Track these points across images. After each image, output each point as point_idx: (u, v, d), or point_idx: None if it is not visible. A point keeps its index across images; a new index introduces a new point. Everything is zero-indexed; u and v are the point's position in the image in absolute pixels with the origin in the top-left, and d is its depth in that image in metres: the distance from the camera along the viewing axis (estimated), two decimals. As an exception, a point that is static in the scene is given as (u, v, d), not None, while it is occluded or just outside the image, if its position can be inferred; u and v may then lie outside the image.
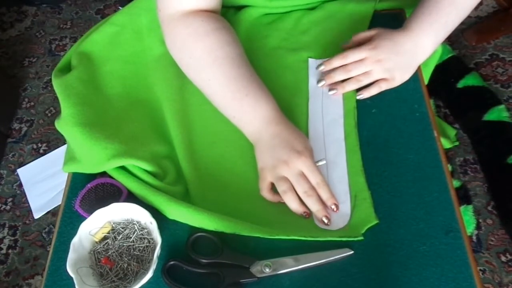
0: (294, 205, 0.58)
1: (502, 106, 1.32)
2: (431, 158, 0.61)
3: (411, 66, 0.67)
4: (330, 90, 0.68)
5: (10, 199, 1.45)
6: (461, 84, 1.37)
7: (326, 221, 0.57)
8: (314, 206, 0.57)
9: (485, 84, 1.39)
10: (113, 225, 0.57)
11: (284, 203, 0.58)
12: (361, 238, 0.55)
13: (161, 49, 0.71)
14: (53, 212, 1.39)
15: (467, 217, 1.19)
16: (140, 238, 0.56)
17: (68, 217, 0.61)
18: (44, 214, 1.39)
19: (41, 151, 1.53)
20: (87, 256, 0.55)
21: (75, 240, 0.54)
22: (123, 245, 0.56)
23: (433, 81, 0.84)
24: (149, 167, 0.60)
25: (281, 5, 0.78)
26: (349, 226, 0.57)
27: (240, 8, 0.79)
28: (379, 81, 0.66)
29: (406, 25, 0.66)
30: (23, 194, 1.44)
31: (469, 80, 1.37)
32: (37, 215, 1.39)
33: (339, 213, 0.58)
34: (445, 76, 1.39)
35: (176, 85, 0.69)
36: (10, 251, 1.35)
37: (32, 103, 1.65)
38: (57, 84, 0.67)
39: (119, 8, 1.84)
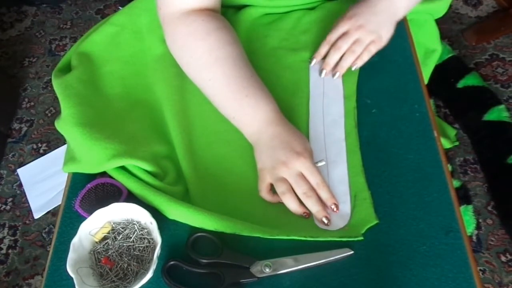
0: (293, 206, 0.58)
1: (502, 106, 1.32)
2: (431, 158, 0.61)
3: (391, 23, 0.69)
4: (333, 75, 0.69)
5: (10, 199, 1.45)
6: (461, 84, 1.37)
7: (326, 221, 0.57)
8: (313, 207, 0.57)
9: (485, 84, 1.39)
10: (113, 225, 0.57)
11: (284, 203, 0.58)
12: (361, 238, 0.55)
13: (161, 49, 0.71)
14: (53, 212, 1.39)
15: (467, 217, 1.19)
16: (140, 238, 0.56)
17: (68, 217, 0.61)
18: (44, 214, 1.39)
19: (41, 151, 1.54)
20: (87, 256, 0.55)
21: (75, 240, 0.54)
22: (123, 245, 0.56)
23: (433, 81, 0.84)
24: (149, 167, 0.60)
25: (281, 5, 0.78)
26: (349, 226, 0.57)
27: (240, 8, 0.79)
28: (367, 46, 0.68)
29: None
30: (23, 194, 1.44)
31: (469, 80, 1.37)
32: (37, 215, 1.39)
33: (339, 213, 0.58)
34: (445, 76, 1.39)
35: (176, 85, 0.69)
36: (10, 251, 1.35)
37: (32, 103, 1.65)
38: (57, 84, 0.67)
39: (119, 8, 1.84)
